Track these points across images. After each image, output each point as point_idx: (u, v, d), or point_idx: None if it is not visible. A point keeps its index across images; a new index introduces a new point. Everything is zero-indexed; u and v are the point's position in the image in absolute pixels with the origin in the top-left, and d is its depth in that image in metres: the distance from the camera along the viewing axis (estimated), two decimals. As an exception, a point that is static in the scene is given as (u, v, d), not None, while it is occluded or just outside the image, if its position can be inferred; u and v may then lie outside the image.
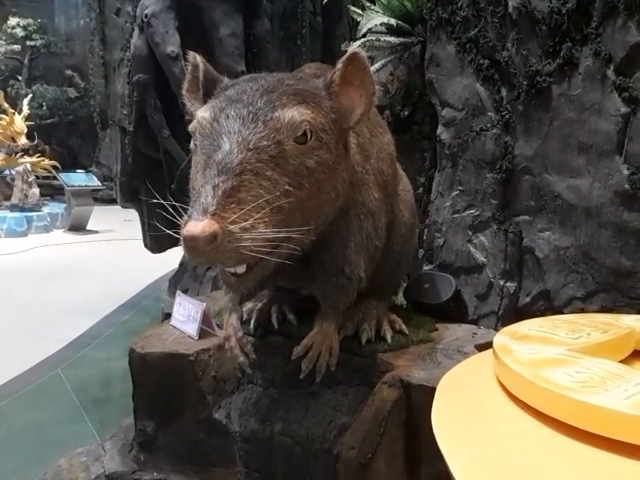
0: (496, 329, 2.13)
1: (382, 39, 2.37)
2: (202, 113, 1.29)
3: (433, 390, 1.52)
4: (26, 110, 10.08)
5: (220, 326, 1.88)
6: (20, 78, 14.38)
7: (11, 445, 2.98)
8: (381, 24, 2.37)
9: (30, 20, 14.32)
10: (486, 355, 1.15)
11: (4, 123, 9.76)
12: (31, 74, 14.66)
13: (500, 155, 2.11)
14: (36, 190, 10.05)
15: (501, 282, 2.14)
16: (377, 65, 2.43)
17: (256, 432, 1.65)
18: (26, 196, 9.86)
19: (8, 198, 9.95)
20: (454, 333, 1.99)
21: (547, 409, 0.90)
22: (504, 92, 2.10)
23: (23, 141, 9.81)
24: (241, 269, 1.23)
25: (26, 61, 14.60)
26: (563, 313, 2.04)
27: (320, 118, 1.30)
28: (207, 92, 1.40)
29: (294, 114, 1.25)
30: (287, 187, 1.23)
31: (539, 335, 1.12)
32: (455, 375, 1.10)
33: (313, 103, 1.31)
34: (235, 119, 1.23)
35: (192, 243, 1.08)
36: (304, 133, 1.26)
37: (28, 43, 14.28)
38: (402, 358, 1.72)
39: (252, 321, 1.85)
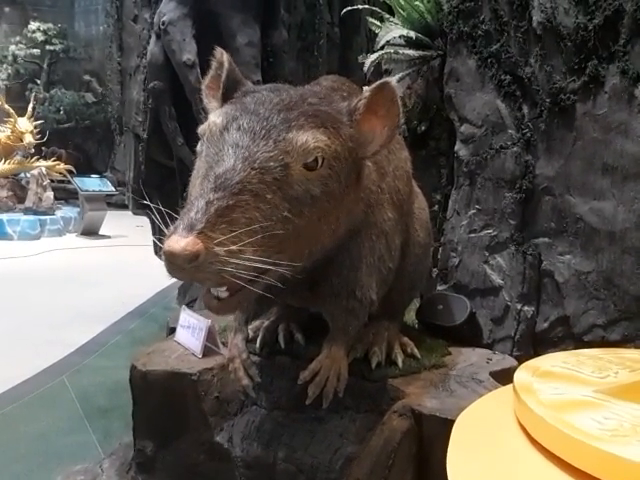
0: (511, 354, 2.06)
1: (400, 52, 2.32)
2: (214, 118, 1.24)
3: (445, 421, 1.46)
4: (30, 108, 10.12)
5: (225, 344, 1.81)
6: (39, 82, 14.52)
7: (12, 454, 2.92)
8: (400, 36, 2.31)
9: (50, 25, 14.45)
10: (505, 392, 1.07)
11: (10, 126, 9.83)
12: (50, 78, 14.79)
13: (520, 174, 2.04)
14: (50, 194, 10.08)
15: (518, 306, 2.07)
16: (395, 78, 2.38)
17: (259, 458, 1.58)
18: (40, 199, 9.88)
19: (22, 201, 9.98)
20: (468, 358, 1.91)
21: (572, 459, 0.82)
22: (526, 109, 2.04)
23: (29, 140, 9.84)
24: (224, 293, 1.17)
25: (45, 65, 14.72)
26: (583, 340, 1.97)
27: (336, 146, 1.24)
28: (227, 93, 1.34)
29: (308, 138, 1.18)
30: (286, 213, 1.16)
31: (563, 372, 1.05)
32: (472, 413, 1.03)
33: (332, 128, 1.24)
34: (246, 132, 1.18)
35: (172, 259, 1.03)
36: (315, 159, 1.19)
37: (47, 47, 14.40)
38: (413, 384, 1.64)
39: (258, 340, 1.78)
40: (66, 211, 10.69)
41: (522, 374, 1.02)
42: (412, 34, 2.26)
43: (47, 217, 9.76)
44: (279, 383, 1.70)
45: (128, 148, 5.17)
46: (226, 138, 1.18)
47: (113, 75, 5.37)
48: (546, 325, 2.03)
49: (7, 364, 4.00)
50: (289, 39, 4.85)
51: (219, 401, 1.67)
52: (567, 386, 0.98)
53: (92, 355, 4.35)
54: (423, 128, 2.46)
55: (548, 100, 1.97)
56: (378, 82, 1.28)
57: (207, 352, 1.77)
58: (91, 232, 9.90)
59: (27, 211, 9.77)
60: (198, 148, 1.29)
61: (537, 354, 2.07)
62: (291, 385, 1.66)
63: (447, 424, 1.43)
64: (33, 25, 14.41)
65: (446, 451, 1.44)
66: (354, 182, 1.34)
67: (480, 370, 1.79)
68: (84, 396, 3.59)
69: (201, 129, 1.26)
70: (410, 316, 2.23)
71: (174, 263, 1.03)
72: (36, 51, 14.42)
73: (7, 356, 4.17)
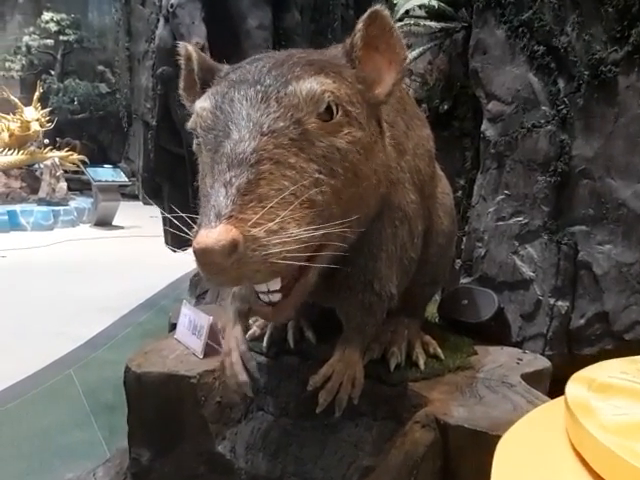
0: (543, 354, 1.90)
1: (421, 23, 2.13)
2: (201, 103, 1.08)
3: (474, 433, 1.29)
4: (35, 96, 10.11)
5: (229, 342, 1.66)
6: (53, 73, 14.49)
7: (14, 451, 2.85)
8: (420, 6, 2.13)
9: (64, 15, 14.40)
10: (555, 408, 0.89)
11: (18, 116, 9.84)
12: (64, 69, 14.75)
13: (555, 155, 1.87)
14: (64, 184, 10.06)
15: (551, 301, 1.91)
16: (414, 53, 2.20)
17: (264, 471, 1.42)
18: (54, 190, 9.86)
19: (35, 192, 9.97)
20: (496, 358, 1.74)
21: (650, 501, 0.65)
22: (561, 83, 1.87)
23: (36, 128, 9.85)
24: (275, 296, 1.01)
25: (59, 56, 14.69)
26: (623, 339, 1.81)
27: (345, 89, 1.08)
28: (205, 85, 1.18)
29: (312, 85, 1.03)
30: (317, 175, 1.01)
31: (624, 385, 0.87)
32: (517, 436, 0.85)
33: (333, 73, 1.09)
34: (241, 102, 1.02)
35: (207, 258, 0.86)
36: (328, 107, 1.04)
37: (61, 38, 14.37)
38: (437, 389, 1.47)
39: (265, 338, 1.62)
40: (80, 202, 10.67)
41: (575, 388, 0.85)
42: (434, 3, 2.08)
43: (60, 208, 9.75)
44: (287, 387, 1.54)
45: (137, 136, 5.05)
46: (221, 117, 1.03)
47: (122, 61, 5.25)
48: (582, 322, 1.88)
49: (14, 357, 3.96)
50: (302, 21, 4.69)
51: (221, 407, 1.51)
52: (632, 404, 0.80)
53: (101, 348, 4.28)
54: (446, 107, 2.29)
55: (587, 73, 1.80)
56: (367, 12, 1.12)
57: (209, 352, 1.61)
58: (104, 223, 9.87)
59: (40, 202, 9.77)
60: (194, 147, 1.13)
61: (572, 353, 1.92)
62: (300, 389, 1.50)
63: (476, 436, 1.27)
64: (46, 15, 14.36)
65: (475, 466, 1.27)
66: (377, 130, 1.19)
67: (510, 372, 1.63)
68: (91, 391, 3.52)
69: (191, 123, 1.11)
70: (431, 311, 2.06)
71: (211, 263, 0.87)
72: (50, 42, 14.39)
73: (15, 349, 4.14)
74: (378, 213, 1.28)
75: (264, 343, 1.61)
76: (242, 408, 1.53)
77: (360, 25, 1.12)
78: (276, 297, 1.03)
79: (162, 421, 1.54)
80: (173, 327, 1.90)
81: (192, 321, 1.67)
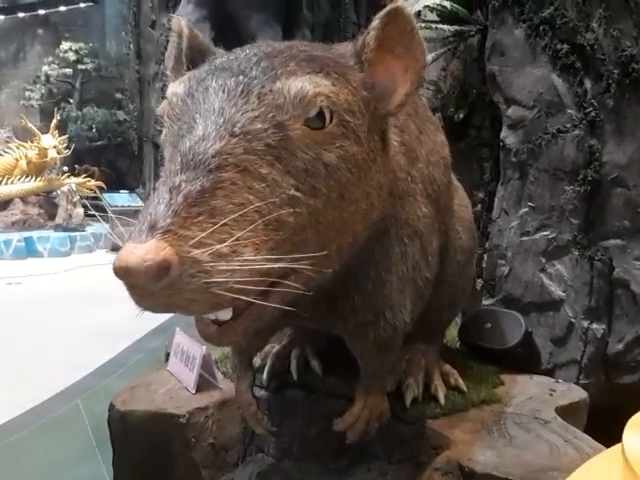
0: (578, 383, 1.73)
1: (433, 27, 1.99)
2: (174, 88, 0.91)
3: (505, 482, 1.11)
4: (52, 124, 10.22)
5: (225, 374, 1.50)
6: (71, 101, 14.69)
7: None
8: (431, 9, 1.98)
9: (82, 44, 14.60)
10: (609, 460, 0.72)
11: (35, 144, 9.95)
12: (82, 97, 14.95)
13: (583, 163, 1.73)
14: (80, 210, 10.09)
15: (585, 323, 1.75)
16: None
17: (263, 523, 1.26)
18: (70, 216, 9.91)
19: (53, 218, 10.02)
20: (526, 389, 1.57)
21: None
22: (588, 84, 1.73)
23: (53, 155, 9.93)
24: (225, 315, 0.83)
25: (77, 84, 14.91)
26: (669, 366, 1.61)
27: (345, 94, 0.91)
28: (193, 67, 1.03)
29: (305, 85, 0.86)
30: (293, 192, 0.83)
31: (695, 434, 0.69)
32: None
33: (335, 74, 0.91)
34: (217, 92, 0.85)
35: (129, 279, 0.70)
36: (320, 113, 0.87)
37: (80, 67, 14.55)
38: (460, 427, 1.30)
39: (265, 370, 1.47)
40: (96, 227, 10.68)
41: (635, 437, 0.67)
42: (447, 4, 1.94)
43: (77, 234, 9.77)
44: (290, 425, 1.38)
45: (148, 158, 5.01)
46: (191, 106, 0.87)
47: (132, 84, 5.24)
48: (621, 346, 1.72)
49: (21, 387, 3.84)
50: (313, 39, 4.64)
51: (215, 449, 1.35)
52: None
53: (110, 376, 4.16)
54: (461, 116, 2.15)
55: (616, 71, 1.67)
56: (387, 8, 0.95)
57: (202, 385, 1.45)
58: (121, 248, 9.85)
59: (57, 228, 9.79)
60: (162, 137, 0.96)
61: (609, 382, 1.75)
62: (305, 427, 1.35)
63: (507, 486, 1.09)
64: (65, 45, 14.59)
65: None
66: (379, 146, 1.01)
67: (543, 406, 1.45)
68: (98, 422, 3.34)
69: (160, 109, 0.95)
70: (451, 336, 1.89)
71: (135, 285, 0.71)
72: (68, 71, 14.60)
73: (23, 379, 4.02)
74: (384, 230, 1.11)
75: (264, 375, 1.46)
76: (239, 450, 1.36)
77: (376, 22, 0.96)
78: (225, 315, 0.84)
79: (149, 465, 1.38)
80: (169, 357, 1.75)
81: (185, 351, 1.52)
